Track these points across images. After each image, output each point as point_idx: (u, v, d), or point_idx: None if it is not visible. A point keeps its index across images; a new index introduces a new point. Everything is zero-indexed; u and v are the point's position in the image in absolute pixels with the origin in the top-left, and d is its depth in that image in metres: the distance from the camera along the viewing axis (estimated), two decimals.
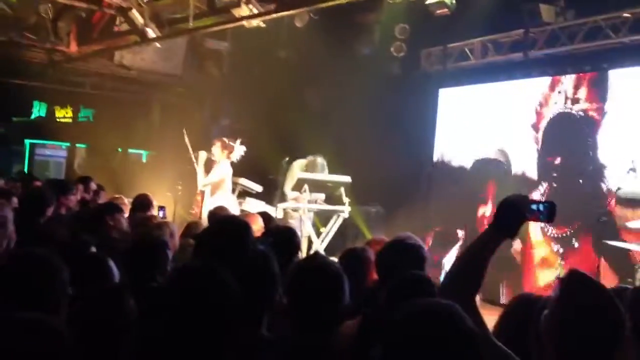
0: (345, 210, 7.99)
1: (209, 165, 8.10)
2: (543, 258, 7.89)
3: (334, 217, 8.10)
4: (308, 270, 2.59)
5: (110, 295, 2.42)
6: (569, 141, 7.88)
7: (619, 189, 7.13)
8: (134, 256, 3.33)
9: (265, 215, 5.01)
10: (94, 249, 3.67)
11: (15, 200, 5.21)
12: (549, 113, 8.15)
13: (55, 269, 2.30)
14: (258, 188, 8.80)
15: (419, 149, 9.75)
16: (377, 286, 3.11)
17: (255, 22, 7.41)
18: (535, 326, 1.84)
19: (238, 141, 8.11)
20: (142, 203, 5.71)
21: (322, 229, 8.30)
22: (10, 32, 9.79)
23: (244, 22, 7.43)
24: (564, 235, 7.63)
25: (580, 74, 7.91)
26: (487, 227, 1.97)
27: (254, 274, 2.51)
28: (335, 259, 3.23)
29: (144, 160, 13.02)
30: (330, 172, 8.44)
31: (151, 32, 8.35)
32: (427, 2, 6.63)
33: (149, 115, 12.21)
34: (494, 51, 8.93)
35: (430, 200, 9.68)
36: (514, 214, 1.95)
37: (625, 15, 7.28)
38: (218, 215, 4.91)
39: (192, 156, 8.37)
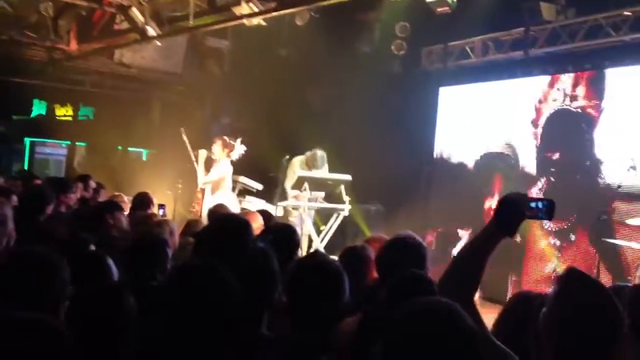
0: (345, 208, 7.99)
1: (209, 163, 8.11)
2: (541, 251, 7.97)
3: (334, 215, 8.10)
4: (308, 268, 2.59)
5: (109, 293, 2.42)
6: (568, 137, 7.97)
7: (619, 186, 7.16)
8: (134, 254, 3.33)
9: (265, 214, 5.02)
10: (93, 247, 3.67)
11: (15, 198, 5.21)
12: (548, 110, 8.21)
13: (55, 268, 2.30)
14: (258, 186, 8.81)
15: (419, 147, 9.75)
16: (377, 284, 3.11)
17: (255, 21, 7.40)
18: (533, 324, 1.84)
19: (238, 140, 8.11)
20: (142, 201, 5.71)
21: (322, 227, 8.31)
22: (11, 30, 9.79)
23: (245, 21, 7.43)
24: (562, 228, 7.69)
25: (579, 72, 7.93)
26: (486, 224, 1.97)
27: (254, 272, 2.51)
28: (335, 257, 3.23)
29: (144, 158, 13.02)
30: (331, 170, 8.44)
31: (151, 31, 8.34)
32: (427, 1, 6.62)
33: (149, 113, 12.21)
34: (494, 49, 8.92)
35: (430, 198, 9.69)
36: (513, 212, 1.94)
37: (626, 13, 7.27)
38: (218, 214, 4.91)
39: (191, 155, 8.37)
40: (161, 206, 6.12)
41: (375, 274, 3.38)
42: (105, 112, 11.65)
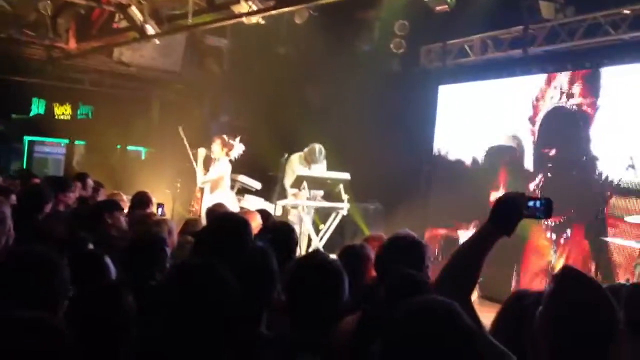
0: (344, 207, 7.98)
1: (207, 162, 8.10)
2: (537, 246, 8.02)
3: (333, 214, 8.10)
4: (308, 267, 2.59)
5: (108, 292, 2.43)
6: (564, 134, 8.05)
7: (615, 183, 7.20)
8: (133, 254, 3.33)
9: (263, 213, 5.02)
10: (91, 246, 3.67)
11: (13, 197, 5.20)
12: (545, 107, 8.28)
13: (54, 267, 2.30)
14: (257, 185, 8.81)
15: (418, 146, 9.75)
16: (375, 283, 3.11)
17: (254, 19, 7.40)
18: (530, 323, 1.85)
19: (237, 139, 8.10)
20: (141, 200, 5.71)
21: (321, 226, 8.30)
22: (10, 29, 9.78)
23: (244, 19, 7.42)
24: (558, 223, 7.75)
25: (578, 71, 7.98)
26: (484, 224, 1.97)
27: (253, 271, 2.51)
28: (334, 256, 3.23)
29: (143, 157, 13.01)
30: (330, 168, 8.44)
31: (150, 29, 8.34)
32: None
33: (148, 112, 12.20)
34: (493, 48, 8.92)
35: (429, 197, 9.69)
36: (511, 211, 1.95)
37: (625, 11, 7.27)
38: (216, 213, 4.91)
39: (190, 154, 8.37)
40: (160, 205, 6.12)
41: (373, 273, 3.38)
42: (104, 110, 11.64)
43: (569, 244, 7.72)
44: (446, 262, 2.01)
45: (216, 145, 8.03)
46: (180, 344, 1.80)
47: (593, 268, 7.10)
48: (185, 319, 1.83)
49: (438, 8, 6.68)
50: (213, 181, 7.97)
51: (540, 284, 7.69)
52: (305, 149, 8.38)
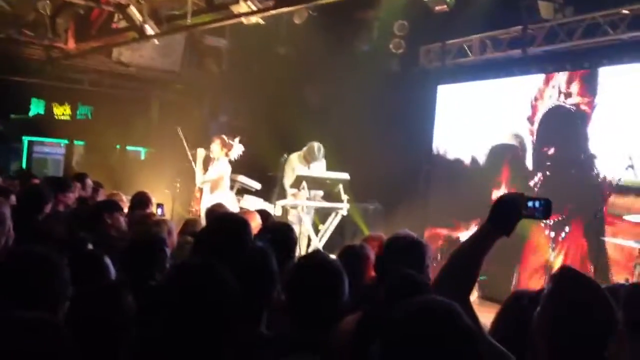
0: (343, 207, 7.98)
1: (207, 162, 8.10)
2: (536, 244, 8.05)
3: (333, 215, 8.10)
4: (308, 267, 2.60)
5: (107, 292, 2.43)
6: (563, 132, 8.10)
7: (613, 180, 7.22)
8: (133, 254, 3.34)
9: (263, 213, 5.02)
10: (91, 247, 3.67)
11: (13, 198, 5.20)
12: (544, 107, 8.32)
13: (54, 267, 2.30)
14: (256, 185, 8.80)
15: (417, 145, 9.76)
16: (374, 283, 3.11)
17: (254, 19, 7.40)
18: (529, 323, 1.85)
19: (237, 139, 8.10)
20: (140, 200, 5.71)
21: (321, 226, 8.30)
22: (9, 29, 9.77)
23: (243, 19, 7.42)
24: (556, 221, 7.79)
25: (577, 71, 8.01)
26: (483, 224, 1.98)
27: (253, 271, 2.51)
28: (333, 257, 3.23)
29: (142, 157, 13.01)
30: (329, 169, 8.44)
31: (149, 29, 8.34)
32: None
33: (148, 112, 12.20)
34: (492, 48, 8.93)
35: (429, 196, 9.70)
36: (510, 211, 1.95)
37: (624, 11, 7.28)
38: (216, 213, 4.91)
39: (189, 154, 8.36)
40: (159, 205, 6.12)
41: (373, 273, 3.39)
42: (104, 111, 11.63)
43: (568, 242, 7.78)
44: (445, 262, 2.01)
45: (215, 146, 8.02)
46: (180, 344, 1.81)
47: (591, 266, 7.13)
48: (185, 319, 1.83)
49: (437, 8, 6.69)
50: (213, 181, 7.96)
51: (539, 282, 7.72)
52: (304, 148, 8.38)
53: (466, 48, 9.21)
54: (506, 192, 6.50)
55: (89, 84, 11.61)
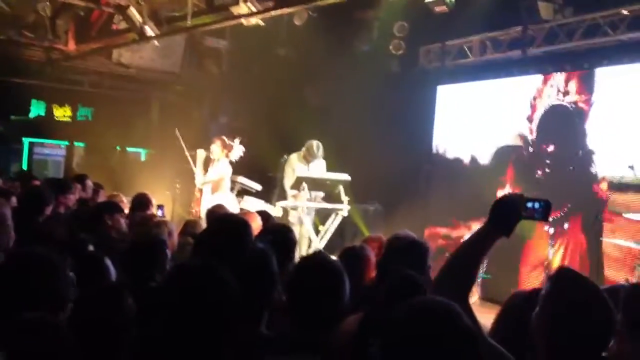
0: (344, 208, 7.98)
1: (207, 163, 8.11)
2: (535, 240, 8.06)
3: (333, 216, 8.09)
4: (309, 267, 2.60)
5: (108, 293, 2.43)
6: (561, 130, 8.14)
7: (617, 179, 7.23)
8: (133, 255, 3.34)
9: (263, 214, 5.02)
10: (92, 248, 3.68)
11: (14, 199, 5.20)
12: (543, 106, 8.35)
13: (55, 269, 2.31)
14: (257, 186, 8.80)
15: (417, 146, 9.76)
16: (375, 284, 3.12)
17: (253, 20, 7.40)
18: (528, 323, 1.86)
19: (237, 140, 8.11)
20: (141, 202, 5.71)
21: (321, 228, 8.30)
22: (9, 30, 9.79)
23: (243, 20, 7.43)
24: (556, 218, 7.79)
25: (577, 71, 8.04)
26: (483, 224, 1.98)
27: (253, 272, 2.52)
28: (334, 258, 3.23)
29: (142, 158, 13.01)
30: (329, 169, 8.44)
31: (149, 30, 8.34)
32: (425, 0, 6.63)
33: (148, 113, 12.20)
34: (492, 49, 8.93)
35: (429, 197, 9.70)
36: (510, 212, 1.95)
37: (624, 12, 7.28)
38: (216, 214, 4.91)
39: (187, 155, 8.37)
40: (160, 207, 6.12)
41: (373, 274, 3.39)
42: (104, 112, 11.63)
43: (567, 238, 7.82)
44: (445, 262, 2.02)
45: (216, 147, 8.03)
46: (180, 345, 1.81)
47: (590, 263, 7.19)
48: (185, 319, 1.84)
49: (437, 9, 6.69)
50: (213, 183, 7.97)
51: (539, 278, 7.74)
52: (303, 148, 8.39)
53: (466, 49, 9.22)
54: (509, 192, 6.49)
55: (89, 85, 11.62)
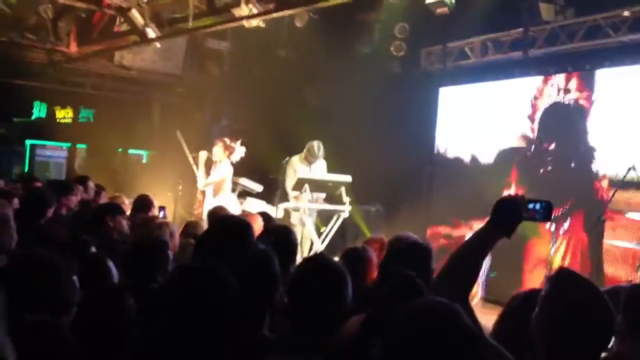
0: (345, 209, 7.99)
1: (208, 165, 8.11)
2: (537, 237, 8.06)
3: (334, 217, 8.10)
4: (312, 269, 2.60)
5: (110, 295, 2.43)
6: (562, 127, 8.15)
7: (619, 177, 7.23)
8: (135, 257, 3.34)
9: (265, 215, 5.03)
10: (94, 250, 3.68)
11: (16, 201, 5.21)
12: (543, 105, 8.36)
13: (57, 271, 2.31)
14: (258, 188, 8.81)
15: (419, 148, 9.75)
16: (376, 285, 3.12)
17: (255, 22, 7.41)
18: (528, 324, 1.86)
19: (238, 142, 8.11)
20: (142, 203, 5.72)
21: (323, 229, 8.30)
22: (11, 32, 9.80)
23: (244, 22, 7.43)
24: (557, 215, 7.80)
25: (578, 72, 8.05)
26: (484, 225, 1.98)
27: (255, 273, 2.52)
28: (336, 259, 3.23)
29: (144, 160, 13.02)
30: (330, 171, 8.44)
31: (151, 32, 8.35)
32: (426, 2, 6.62)
33: (149, 115, 12.22)
34: (493, 50, 8.93)
35: (431, 198, 9.70)
36: (511, 213, 1.96)
37: (625, 14, 7.28)
38: (218, 215, 4.92)
39: (189, 157, 8.37)
40: (162, 208, 6.12)
41: (375, 275, 3.39)
42: (106, 114, 11.65)
43: (568, 235, 7.83)
44: (446, 261, 2.02)
45: (217, 148, 8.04)
46: (181, 345, 1.81)
47: (591, 261, 7.19)
48: (186, 320, 1.84)
49: (438, 10, 6.68)
50: (215, 184, 7.98)
51: (541, 275, 7.75)
52: (304, 150, 8.40)
53: (467, 50, 9.21)
54: (510, 193, 6.51)
55: (91, 87, 11.63)
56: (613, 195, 6.61)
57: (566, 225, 7.85)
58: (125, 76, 11.06)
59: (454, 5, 6.56)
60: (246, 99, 10.84)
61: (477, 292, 7.78)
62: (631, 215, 6.58)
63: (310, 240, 8.05)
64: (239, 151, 8.08)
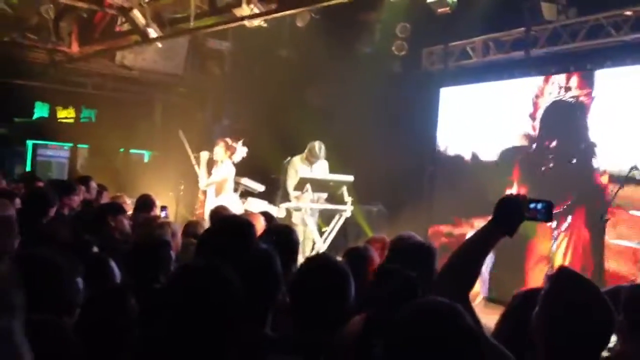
0: (347, 209, 7.99)
1: (210, 165, 8.12)
2: (538, 234, 8.07)
3: (336, 217, 8.10)
4: (314, 268, 2.60)
5: (112, 295, 2.44)
6: (563, 124, 8.18)
7: (622, 174, 7.23)
8: (137, 257, 3.34)
9: (266, 215, 5.03)
10: (95, 250, 3.69)
11: (18, 201, 5.22)
12: (545, 103, 8.38)
13: (59, 271, 2.31)
14: (260, 188, 8.81)
15: (420, 147, 9.76)
16: (374, 285, 3.11)
17: (256, 22, 7.41)
18: (529, 323, 1.86)
19: (240, 142, 8.12)
20: (144, 203, 5.73)
21: (324, 229, 8.30)
22: (12, 32, 9.80)
23: (245, 22, 7.44)
24: (559, 211, 7.80)
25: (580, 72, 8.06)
26: (486, 223, 1.98)
27: (257, 273, 2.52)
28: (338, 259, 3.23)
29: (146, 160, 13.03)
30: (332, 171, 8.45)
31: (152, 32, 8.36)
32: (428, 1, 6.62)
33: (151, 115, 12.22)
34: (495, 50, 8.93)
35: (433, 198, 9.70)
36: (513, 213, 1.96)
37: (627, 13, 7.28)
38: (220, 215, 4.92)
39: (191, 156, 8.38)
40: (163, 208, 6.13)
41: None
42: (107, 114, 11.65)
43: (570, 231, 7.85)
44: (447, 260, 2.02)
45: (219, 148, 8.04)
46: (183, 345, 1.82)
47: (593, 257, 7.19)
48: (189, 319, 1.84)
49: (439, 10, 6.68)
50: (217, 184, 7.99)
51: (542, 272, 7.74)
52: (305, 150, 8.41)
53: (469, 50, 9.21)
54: (512, 193, 6.52)
55: (93, 87, 11.63)
56: (616, 194, 6.59)
57: (568, 221, 7.87)
58: (126, 76, 11.06)
59: (455, 4, 6.56)
60: (247, 99, 10.85)
61: (480, 291, 7.78)
62: (633, 212, 6.58)
63: (312, 240, 8.05)
64: (241, 151, 8.08)
